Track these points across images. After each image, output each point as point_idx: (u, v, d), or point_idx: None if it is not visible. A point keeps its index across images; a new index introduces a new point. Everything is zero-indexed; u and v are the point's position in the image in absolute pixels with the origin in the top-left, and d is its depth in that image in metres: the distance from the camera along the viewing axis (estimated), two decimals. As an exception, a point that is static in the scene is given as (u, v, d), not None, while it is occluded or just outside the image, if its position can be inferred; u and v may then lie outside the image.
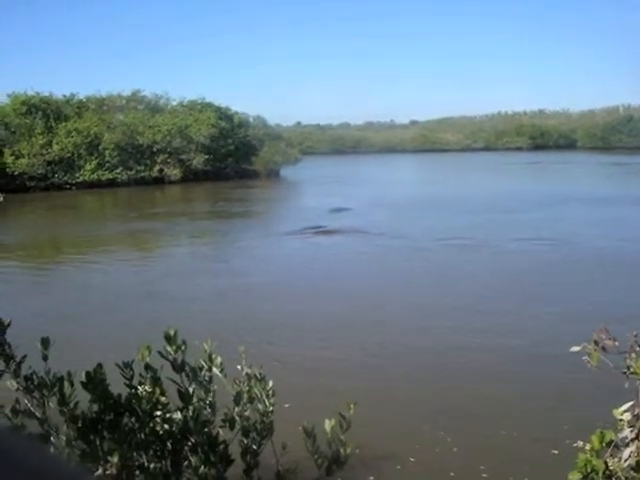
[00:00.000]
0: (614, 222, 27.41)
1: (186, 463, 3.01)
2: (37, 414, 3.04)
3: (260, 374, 3.35)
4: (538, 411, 9.06)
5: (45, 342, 3.24)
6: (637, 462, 2.88)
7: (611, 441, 2.93)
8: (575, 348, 2.92)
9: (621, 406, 2.96)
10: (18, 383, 3.06)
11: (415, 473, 7.54)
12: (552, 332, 12.41)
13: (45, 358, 3.19)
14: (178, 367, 3.11)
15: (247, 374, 3.34)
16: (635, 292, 15.24)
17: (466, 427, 8.67)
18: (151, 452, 2.98)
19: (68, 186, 52.09)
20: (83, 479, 1.18)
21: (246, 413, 3.25)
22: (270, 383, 3.34)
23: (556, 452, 7.69)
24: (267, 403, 3.28)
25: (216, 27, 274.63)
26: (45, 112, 54.27)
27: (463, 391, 10.02)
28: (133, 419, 3.00)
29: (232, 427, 3.21)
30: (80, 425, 2.90)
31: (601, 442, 2.93)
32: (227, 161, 61.06)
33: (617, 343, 2.84)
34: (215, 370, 3.25)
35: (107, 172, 53.91)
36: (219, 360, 3.29)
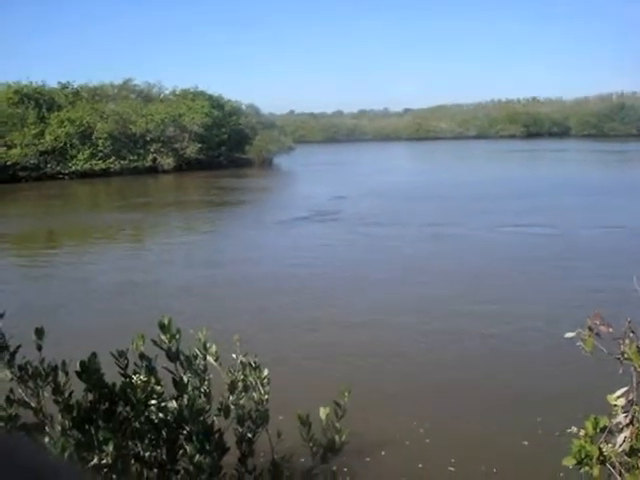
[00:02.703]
0: (596, 211, 27.53)
1: (181, 452, 3.01)
2: (32, 404, 3.03)
3: (255, 362, 3.34)
4: (513, 404, 9.11)
5: (39, 332, 3.22)
6: (631, 447, 2.89)
7: (605, 427, 2.94)
8: (569, 334, 2.92)
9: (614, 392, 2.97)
10: (12, 373, 3.04)
11: (387, 464, 7.57)
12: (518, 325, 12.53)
13: (39, 348, 3.17)
14: (173, 356, 3.10)
15: (242, 362, 3.33)
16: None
17: (440, 416, 8.76)
18: (146, 441, 2.98)
19: (61, 176, 51.82)
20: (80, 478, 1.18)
21: (241, 402, 3.24)
22: (265, 371, 3.34)
23: (526, 443, 7.76)
24: (262, 391, 3.28)
25: (209, 17, 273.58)
26: (38, 102, 53.97)
27: (436, 381, 10.14)
28: (128, 408, 2.99)
29: (227, 416, 3.21)
30: (75, 414, 2.89)
31: (595, 428, 2.93)
32: (220, 150, 60.86)
33: (611, 329, 2.84)
34: (210, 359, 3.25)
35: (100, 162, 53.65)
36: (214, 349, 3.28)
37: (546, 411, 8.52)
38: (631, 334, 2.83)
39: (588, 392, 8.65)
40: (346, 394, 3.27)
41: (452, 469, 7.31)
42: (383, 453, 7.71)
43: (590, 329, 2.86)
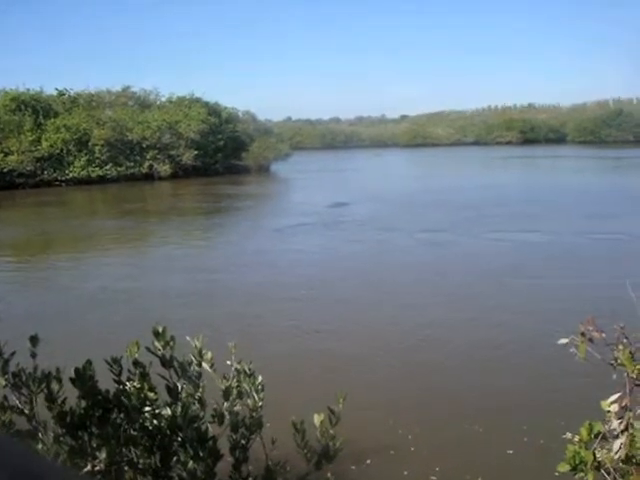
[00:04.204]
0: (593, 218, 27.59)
1: (175, 458, 3.00)
2: (25, 411, 3.03)
3: (249, 369, 3.34)
4: (498, 413, 9.11)
5: (34, 339, 3.23)
6: (626, 454, 2.90)
7: (599, 432, 2.94)
8: (563, 340, 2.92)
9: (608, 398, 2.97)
10: (6, 380, 3.04)
11: (373, 472, 7.56)
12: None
13: (33, 355, 3.17)
14: (167, 363, 3.10)
15: (236, 369, 3.33)
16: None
17: (427, 423, 8.76)
18: (140, 448, 2.97)
19: (58, 183, 51.86)
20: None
21: (235, 408, 3.24)
22: (259, 378, 3.33)
23: (511, 452, 7.77)
24: (256, 398, 3.27)
25: (206, 24, 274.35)
26: (34, 109, 54.02)
27: (422, 385, 10.17)
28: (122, 415, 2.99)
29: (221, 422, 3.21)
30: (68, 421, 2.89)
31: (589, 434, 2.93)
32: (217, 157, 60.89)
33: (604, 335, 2.85)
34: (205, 365, 3.25)
35: (97, 168, 53.75)
36: (209, 355, 3.28)
37: (531, 420, 8.56)
38: (624, 340, 2.84)
39: (574, 401, 8.73)
40: (341, 400, 3.27)
41: (435, 478, 7.31)
42: (369, 462, 7.68)
43: (583, 335, 2.86)
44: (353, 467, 7.42)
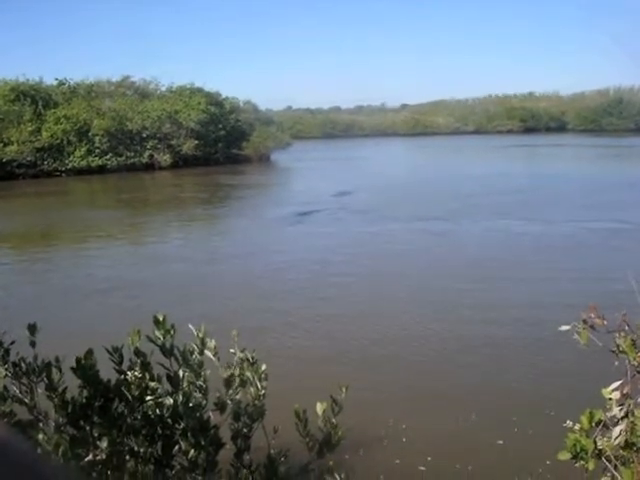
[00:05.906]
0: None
1: (177, 447, 3.00)
2: (26, 400, 3.02)
3: (252, 357, 3.33)
4: (488, 404, 9.12)
5: (32, 328, 3.21)
6: (626, 441, 2.89)
7: (600, 421, 2.94)
8: (564, 327, 2.92)
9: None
10: (6, 369, 3.04)
11: (370, 460, 7.58)
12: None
13: (33, 344, 3.16)
14: (167, 351, 3.09)
15: (240, 357, 3.32)
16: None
17: (419, 414, 8.78)
18: (141, 437, 2.97)
19: (58, 173, 51.81)
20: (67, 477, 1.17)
21: (237, 397, 3.24)
22: (263, 366, 3.32)
23: (501, 442, 7.82)
24: (259, 386, 3.27)
25: (206, 12, 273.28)
26: (34, 99, 53.88)
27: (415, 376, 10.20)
28: (123, 404, 2.98)
29: (223, 411, 3.20)
30: (70, 411, 2.88)
31: (590, 422, 2.93)
32: (217, 146, 60.74)
33: (606, 322, 2.84)
34: (208, 353, 3.23)
35: (97, 158, 53.67)
36: (212, 344, 3.27)
37: (521, 411, 8.60)
38: (626, 327, 2.84)
39: (564, 393, 8.76)
40: (343, 390, 3.26)
41: (423, 468, 7.33)
42: (361, 452, 7.69)
43: (585, 322, 2.86)
44: (347, 457, 7.42)
